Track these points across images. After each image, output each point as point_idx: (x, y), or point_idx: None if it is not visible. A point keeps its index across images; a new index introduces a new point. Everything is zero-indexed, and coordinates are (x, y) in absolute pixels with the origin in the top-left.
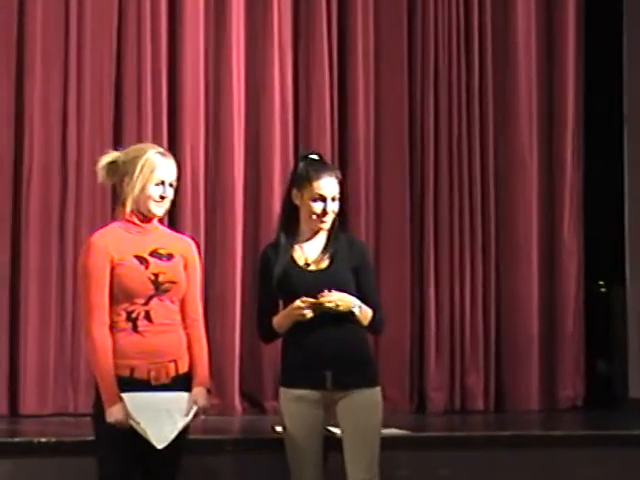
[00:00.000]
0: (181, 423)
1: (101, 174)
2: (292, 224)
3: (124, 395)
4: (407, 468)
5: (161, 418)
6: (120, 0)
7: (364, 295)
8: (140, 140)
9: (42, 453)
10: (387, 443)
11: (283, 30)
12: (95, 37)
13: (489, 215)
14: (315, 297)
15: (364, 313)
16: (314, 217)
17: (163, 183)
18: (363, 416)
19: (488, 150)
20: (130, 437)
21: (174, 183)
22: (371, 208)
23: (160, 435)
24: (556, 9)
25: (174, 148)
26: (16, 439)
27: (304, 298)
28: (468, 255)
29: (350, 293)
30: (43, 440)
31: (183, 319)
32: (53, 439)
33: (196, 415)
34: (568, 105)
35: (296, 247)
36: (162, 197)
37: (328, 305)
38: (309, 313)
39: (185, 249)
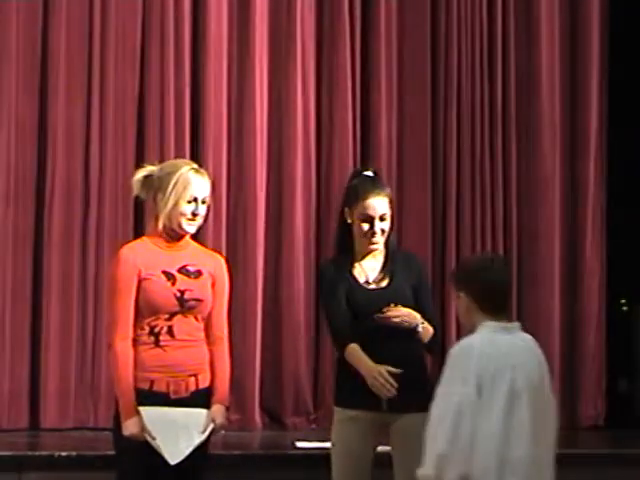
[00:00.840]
0: (197, 440)
1: (136, 187)
2: (348, 241)
3: (141, 409)
4: None
5: (177, 433)
6: (143, 16)
7: (423, 312)
8: (162, 155)
9: (63, 467)
10: None
11: (306, 44)
12: (118, 54)
13: (511, 233)
14: (381, 312)
15: (426, 330)
16: (364, 237)
17: (196, 200)
18: (416, 441)
19: (511, 168)
20: (150, 451)
21: (207, 200)
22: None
23: (174, 451)
24: (579, 27)
25: (196, 163)
26: (37, 453)
27: (388, 369)
28: None
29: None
30: (64, 454)
31: (207, 336)
32: (74, 453)
33: (213, 432)
34: (591, 122)
35: (355, 265)
36: (194, 214)
37: (395, 320)
38: (391, 391)
39: (214, 267)
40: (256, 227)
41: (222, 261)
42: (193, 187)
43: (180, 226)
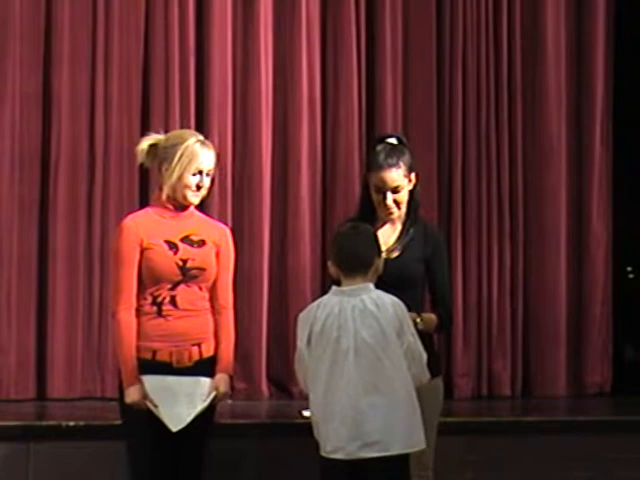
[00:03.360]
0: (199, 407)
1: (140, 156)
2: (369, 205)
3: (143, 377)
4: (434, 453)
5: (179, 401)
6: None
7: (433, 286)
8: (167, 124)
9: (70, 437)
10: None
11: (311, 14)
12: (122, 24)
13: (517, 202)
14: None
15: (426, 320)
16: (379, 206)
17: (201, 172)
18: (422, 406)
19: (517, 137)
20: (156, 420)
21: (212, 172)
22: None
23: (176, 418)
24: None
25: (201, 134)
26: (45, 422)
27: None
28: (496, 241)
29: (418, 284)
30: (71, 424)
31: (212, 306)
32: (81, 423)
33: (215, 399)
34: (597, 91)
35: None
36: (199, 186)
37: None
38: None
39: (219, 236)
40: (262, 198)
41: (227, 231)
42: (198, 159)
43: (185, 197)
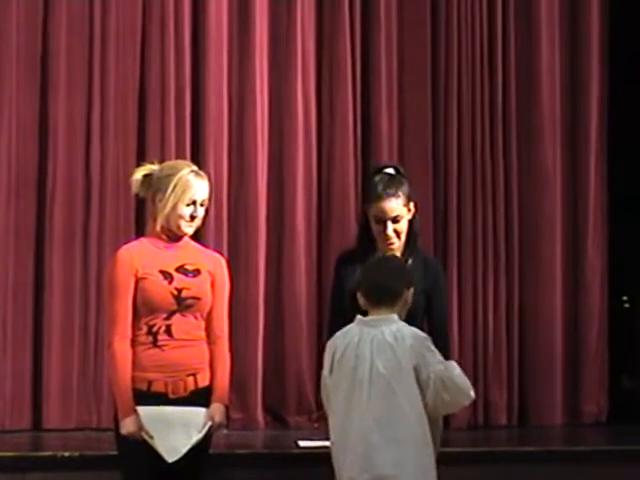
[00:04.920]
0: (195, 438)
1: (135, 186)
2: (368, 236)
3: (139, 408)
4: None
5: (175, 432)
6: (144, 13)
7: (431, 319)
8: (163, 154)
9: (65, 467)
10: None
11: (306, 45)
12: (119, 53)
13: (513, 231)
14: None
15: None
16: (379, 237)
17: (195, 203)
18: None
19: (512, 167)
20: (152, 451)
21: (205, 203)
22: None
23: (172, 449)
24: (580, 25)
25: (197, 163)
26: (39, 453)
27: None
28: (491, 270)
29: (419, 316)
30: (66, 454)
31: (207, 335)
32: (76, 453)
33: (210, 429)
34: (592, 120)
35: None
36: (192, 217)
37: None
38: None
39: (213, 266)
40: (257, 227)
41: (222, 260)
42: (192, 190)
43: (179, 227)
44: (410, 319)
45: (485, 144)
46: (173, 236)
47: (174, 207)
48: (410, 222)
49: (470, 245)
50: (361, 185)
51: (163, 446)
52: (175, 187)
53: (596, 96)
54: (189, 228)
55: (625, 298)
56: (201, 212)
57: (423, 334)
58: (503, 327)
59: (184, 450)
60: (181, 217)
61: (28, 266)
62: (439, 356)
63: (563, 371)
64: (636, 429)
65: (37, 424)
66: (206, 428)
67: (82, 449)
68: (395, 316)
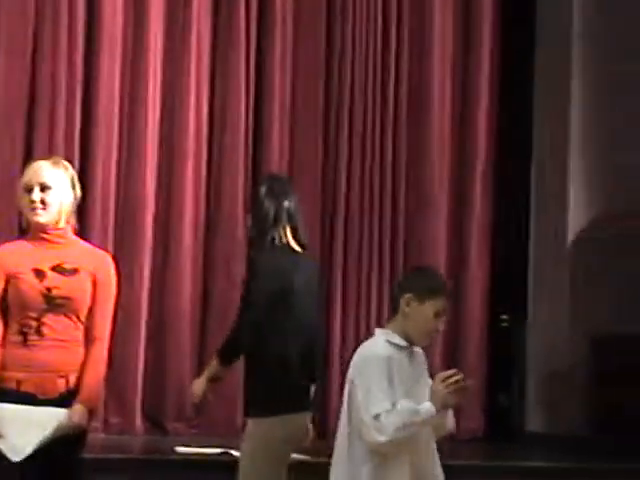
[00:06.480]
0: (41, 437)
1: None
2: None
3: None
4: None
5: (28, 431)
6: (36, 11)
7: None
8: (52, 153)
9: None
10: None
11: (201, 43)
12: (9, 51)
13: (398, 246)
14: None
15: None
16: None
17: (32, 189)
18: None
19: (400, 184)
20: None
21: (49, 185)
22: None
23: (18, 448)
24: (472, 40)
25: (86, 162)
26: None
27: None
28: (375, 284)
29: None
30: None
31: (85, 336)
32: None
33: (59, 430)
34: (479, 140)
35: None
36: (32, 201)
37: None
38: None
39: (96, 265)
40: (144, 227)
41: (107, 259)
42: (25, 176)
43: (28, 218)
44: None
45: (375, 162)
46: (41, 229)
47: (19, 197)
48: None
49: (355, 262)
50: (250, 192)
51: (9, 445)
52: (21, 179)
53: (484, 120)
54: (37, 216)
55: (504, 317)
56: (40, 196)
57: (366, 351)
58: None
59: (29, 449)
60: (24, 205)
61: None
62: (368, 383)
63: None
64: (510, 445)
65: None
66: (53, 428)
67: None
68: (389, 330)
